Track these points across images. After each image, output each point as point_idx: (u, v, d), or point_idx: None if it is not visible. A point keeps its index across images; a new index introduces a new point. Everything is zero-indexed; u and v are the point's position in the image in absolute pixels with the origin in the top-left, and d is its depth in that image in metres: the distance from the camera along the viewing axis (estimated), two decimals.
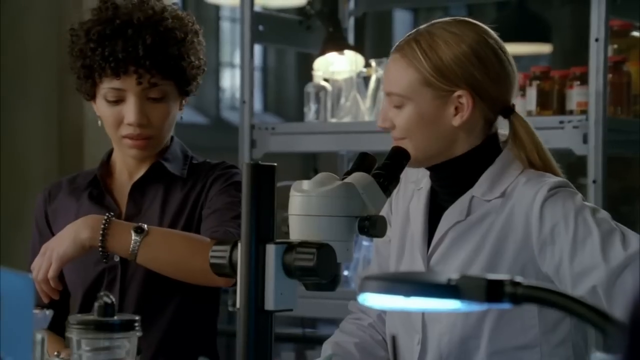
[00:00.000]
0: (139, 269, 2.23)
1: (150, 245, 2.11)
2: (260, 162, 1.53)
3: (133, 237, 2.11)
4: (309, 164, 3.93)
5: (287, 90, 10.86)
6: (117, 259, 2.26)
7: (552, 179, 1.97)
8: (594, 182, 2.95)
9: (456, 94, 1.97)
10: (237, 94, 10.52)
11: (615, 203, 3.38)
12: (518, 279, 1.13)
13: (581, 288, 1.88)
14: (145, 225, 2.13)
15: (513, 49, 7.91)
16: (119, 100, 2.23)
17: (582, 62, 3.21)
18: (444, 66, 1.96)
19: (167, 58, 2.22)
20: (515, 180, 1.99)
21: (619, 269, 1.85)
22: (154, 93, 2.23)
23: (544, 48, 7.43)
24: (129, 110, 2.22)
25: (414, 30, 2.02)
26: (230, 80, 10.71)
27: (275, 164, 1.53)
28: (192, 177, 2.33)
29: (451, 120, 1.99)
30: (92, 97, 2.29)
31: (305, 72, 10.53)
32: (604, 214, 1.94)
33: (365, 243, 3.34)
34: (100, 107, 2.27)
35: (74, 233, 2.11)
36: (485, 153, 2.02)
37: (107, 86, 2.23)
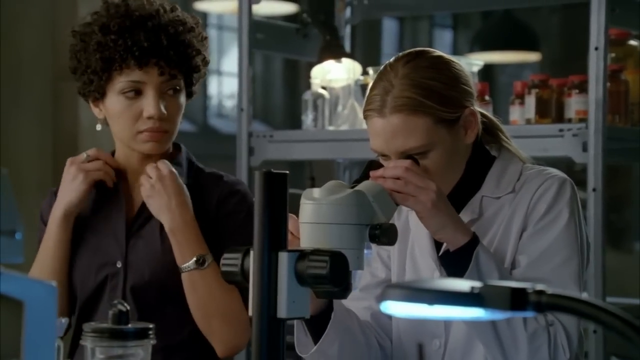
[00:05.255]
0: (141, 276, 2.23)
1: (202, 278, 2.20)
2: (273, 169, 1.52)
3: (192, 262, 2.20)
4: (304, 172, 3.92)
5: (275, 97, 10.86)
6: (119, 265, 2.26)
7: (561, 173, 2.04)
8: (594, 190, 2.96)
9: (463, 114, 1.98)
10: (224, 102, 10.59)
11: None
12: (541, 286, 1.14)
13: (507, 262, 1.98)
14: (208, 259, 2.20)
15: (500, 57, 7.85)
16: (136, 94, 2.23)
17: (571, 70, 3.22)
18: (445, 96, 1.97)
19: (188, 48, 2.24)
20: (522, 176, 2.04)
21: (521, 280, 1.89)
22: (172, 85, 2.24)
23: (532, 56, 7.46)
24: (149, 103, 2.22)
25: (382, 84, 1.98)
26: (217, 87, 10.70)
27: (288, 172, 1.52)
28: (198, 187, 2.32)
29: (465, 141, 2.02)
30: (102, 95, 2.26)
31: (292, 79, 10.48)
32: (575, 248, 1.99)
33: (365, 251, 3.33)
34: (114, 104, 2.25)
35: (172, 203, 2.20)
36: (479, 153, 2.06)
37: (125, 79, 2.22)
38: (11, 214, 1.03)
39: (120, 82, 2.23)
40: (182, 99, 2.28)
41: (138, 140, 2.25)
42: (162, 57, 2.21)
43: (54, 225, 2.26)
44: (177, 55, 2.23)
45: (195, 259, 2.19)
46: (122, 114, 2.25)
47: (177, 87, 2.26)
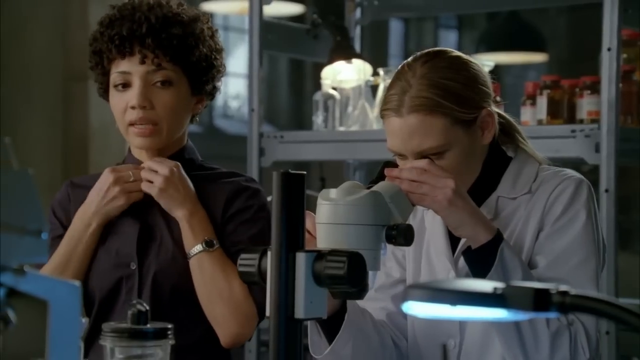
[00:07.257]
0: (155, 277, 2.23)
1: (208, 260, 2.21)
2: (291, 170, 1.51)
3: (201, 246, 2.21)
4: (314, 172, 3.92)
5: (280, 98, 10.87)
6: (133, 267, 2.26)
7: (577, 174, 2.04)
8: (607, 191, 2.96)
9: (480, 115, 1.98)
10: (230, 102, 10.59)
11: None
12: (564, 287, 1.13)
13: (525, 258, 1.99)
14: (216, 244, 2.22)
15: (505, 58, 7.85)
16: (125, 85, 2.24)
17: (577, 70, 3.22)
18: (463, 96, 1.97)
19: (171, 37, 2.22)
20: (538, 177, 2.04)
21: (542, 280, 1.91)
22: (159, 76, 2.23)
23: (537, 57, 7.46)
24: (133, 93, 2.23)
25: (400, 83, 1.98)
26: (222, 88, 10.71)
27: (305, 173, 1.52)
28: (202, 184, 2.33)
29: (482, 141, 2.02)
30: (106, 89, 2.29)
31: (298, 80, 10.44)
32: (593, 247, 1.99)
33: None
34: (111, 98, 2.28)
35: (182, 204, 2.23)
36: (496, 154, 2.06)
37: (115, 71, 2.25)
38: (37, 214, 1.04)
39: (112, 74, 2.26)
40: (180, 93, 2.26)
41: (130, 134, 2.27)
42: (143, 45, 2.21)
43: (87, 232, 2.28)
44: (160, 42, 2.21)
45: (203, 241, 2.21)
46: (114, 107, 2.28)
47: (169, 80, 2.24)
